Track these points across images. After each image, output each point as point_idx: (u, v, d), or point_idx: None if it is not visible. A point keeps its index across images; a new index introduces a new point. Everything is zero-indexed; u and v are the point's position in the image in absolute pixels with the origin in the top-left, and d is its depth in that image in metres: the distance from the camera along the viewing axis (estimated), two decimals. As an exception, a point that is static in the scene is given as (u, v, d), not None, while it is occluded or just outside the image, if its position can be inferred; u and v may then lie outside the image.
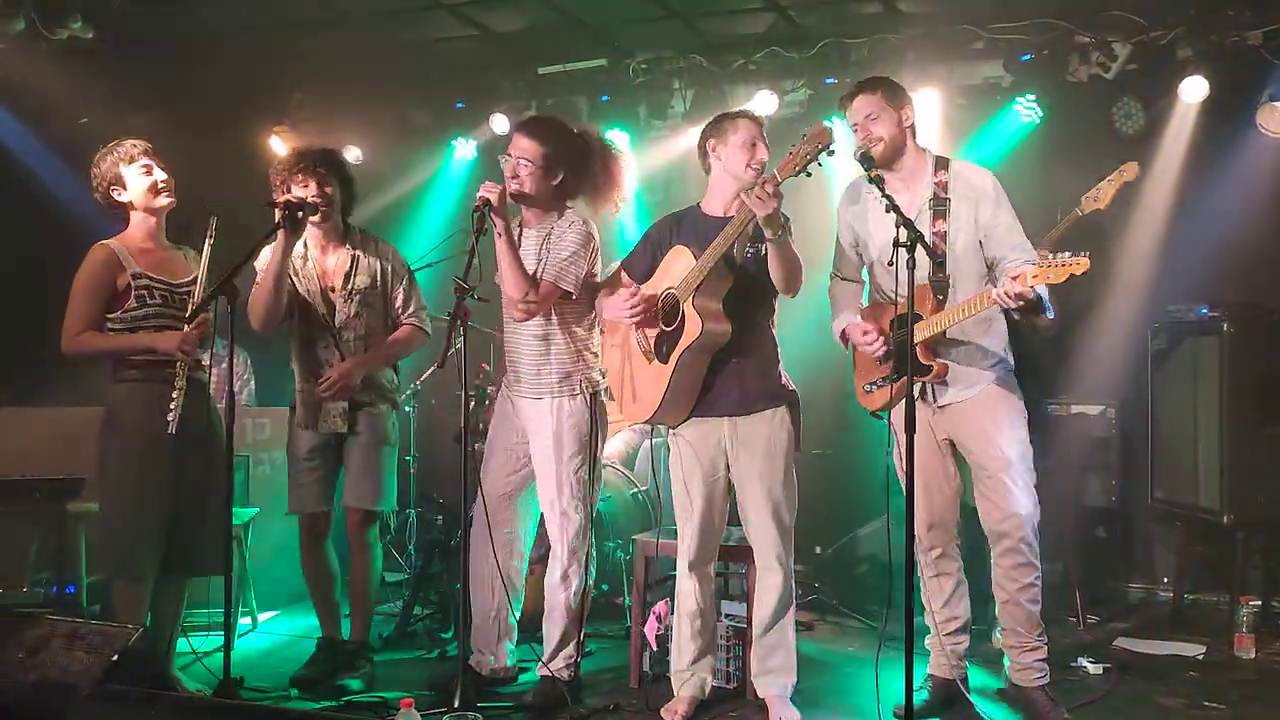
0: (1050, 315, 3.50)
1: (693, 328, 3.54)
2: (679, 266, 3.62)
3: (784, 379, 3.71)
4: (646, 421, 3.77)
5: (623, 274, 3.88)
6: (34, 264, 5.41)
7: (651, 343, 3.71)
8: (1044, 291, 3.34)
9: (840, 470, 5.32)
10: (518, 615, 4.03)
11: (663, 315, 3.67)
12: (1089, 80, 5.53)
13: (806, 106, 6.04)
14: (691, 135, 6.18)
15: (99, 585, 4.73)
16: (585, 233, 3.84)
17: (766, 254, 3.52)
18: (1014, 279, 3.27)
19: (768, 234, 3.38)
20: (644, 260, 3.81)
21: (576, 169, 3.87)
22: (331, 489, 4.13)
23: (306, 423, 4.07)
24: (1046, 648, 3.70)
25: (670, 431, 3.78)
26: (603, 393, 3.97)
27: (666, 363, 3.62)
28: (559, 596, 3.88)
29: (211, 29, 5.79)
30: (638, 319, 3.66)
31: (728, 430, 3.65)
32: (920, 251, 3.13)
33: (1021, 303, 3.29)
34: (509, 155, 3.83)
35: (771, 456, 3.62)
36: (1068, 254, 3.19)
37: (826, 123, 3.60)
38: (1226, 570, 4.84)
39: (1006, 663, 3.78)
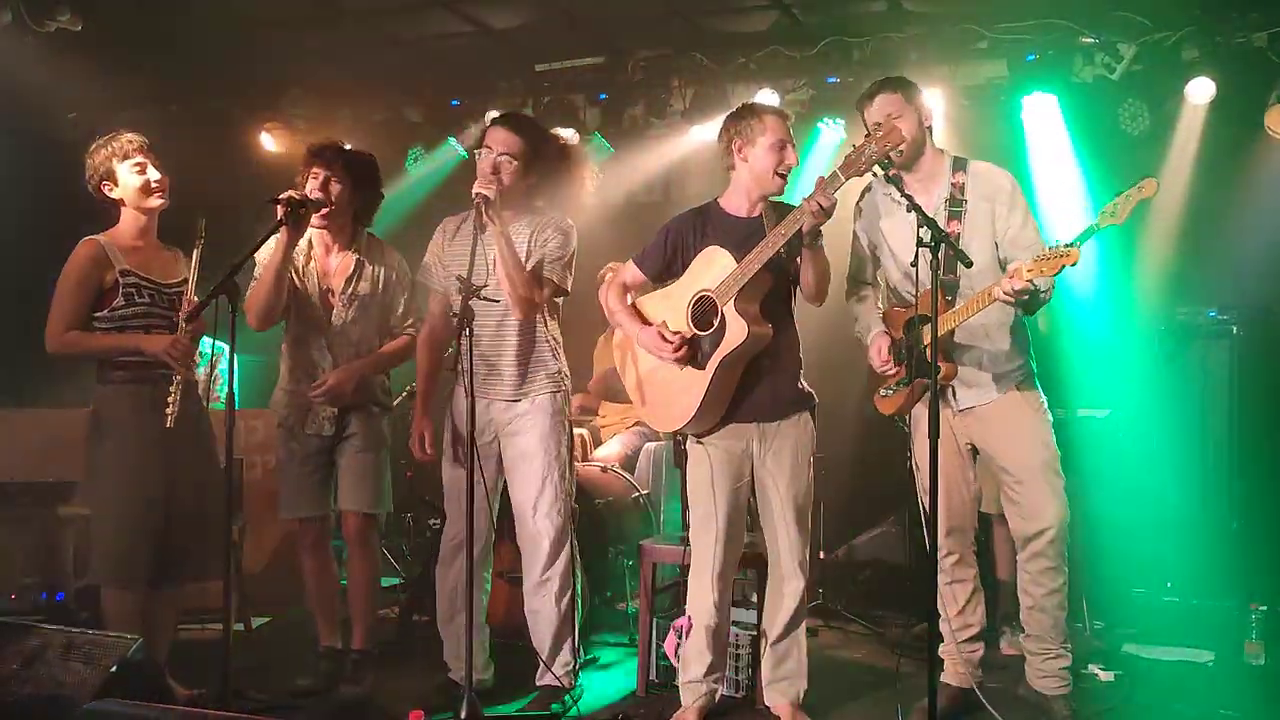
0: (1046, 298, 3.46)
1: (737, 332, 3.40)
2: (715, 269, 3.47)
3: (805, 383, 3.64)
4: (677, 431, 3.65)
5: (635, 269, 3.74)
6: (19, 261, 5.30)
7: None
8: (1043, 284, 3.31)
9: (846, 474, 5.25)
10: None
11: (695, 319, 3.54)
12: (1094, 81, 5.51)
13: (809, 106, 5.99)
14: (691, 135, 6.23)
15: (87, 591, 4.63)
16: (569, 229, 3.80)
17: (794, 258, 3.45)
18: (1010, 277, 3.26)
19: (807, 240, 3.30)
20: (661, 256, 3.67)
21: (549, 171, 3.81)
22: (328, 491, 4.04)
23: (293, 423, 3.98)
24: (1070, 656, 3.65)
25: (692, 438, 3.66)
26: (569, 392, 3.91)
27: (703, 369, 3.48)
28: (539, 602, 3.80)
29: (204, 22, 5.68)
30: (681, 362, 3.53)
31: (755, 435, 3.56)
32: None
33: (1024, 298, 3.27)
34: (488, 149, 3.73)
35: (798, 464, 3.55)
36: (1060, 244, 3.18)
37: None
38: (1234, 576, 4.80)
39: (1028, 667, 3.72)
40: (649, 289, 3.79)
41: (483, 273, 3.57)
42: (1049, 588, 3.56)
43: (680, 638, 3.77)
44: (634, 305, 3.74)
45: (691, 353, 3.52)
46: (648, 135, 6.42)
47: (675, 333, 3.54)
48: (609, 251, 5.84)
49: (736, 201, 3.61)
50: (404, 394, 5.40)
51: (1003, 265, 3.57)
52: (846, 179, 3.24)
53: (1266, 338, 4.70)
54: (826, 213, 3.22)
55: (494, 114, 6.27)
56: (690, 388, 3.50)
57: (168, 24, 5.69)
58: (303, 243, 3.97)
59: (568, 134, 6.16)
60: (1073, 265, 3.15)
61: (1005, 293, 3.26)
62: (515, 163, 3.70)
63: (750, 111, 3.57)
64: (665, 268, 3.68)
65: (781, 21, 5.79)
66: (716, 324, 3.46)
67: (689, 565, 3.68)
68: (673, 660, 3.88)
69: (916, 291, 3.29)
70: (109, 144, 3.66)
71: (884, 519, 5.24)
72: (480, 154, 3.74)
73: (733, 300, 3.41)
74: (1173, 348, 5.07)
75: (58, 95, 5.72)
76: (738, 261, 3.41)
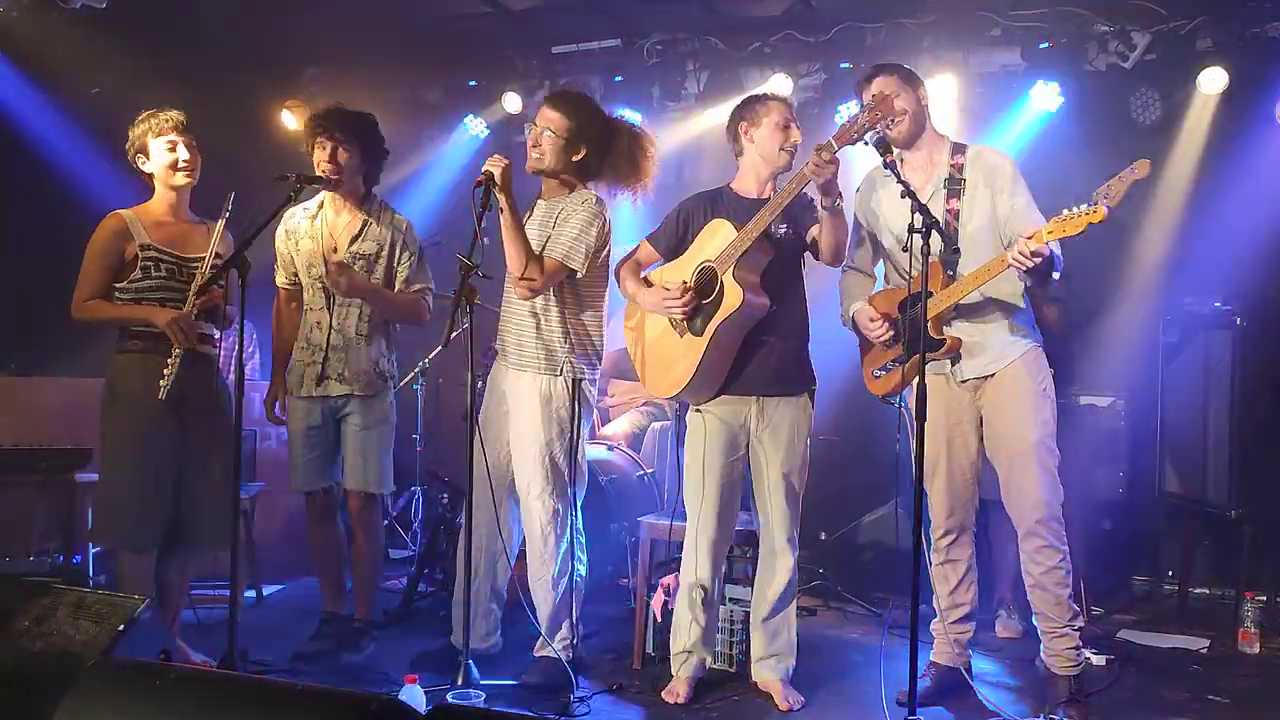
0: (1058, 275, 3.46)
1: (733, 299, 3.48)
2: (718, 239, 3.58)
3: (810, 365, 3.70)
4: (673, 397, 3.72)
5: (647, 247, 3.84)
6: (44, 233, 5.41)
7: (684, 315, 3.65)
8: (1057, 250, 3.32)
9: (847, 455, 5.31)
10: (504, 595, 4.04)
11: (697, 288, 3.62)
12: (1107, 69, 5.51)
13: (821, 91, 6.02)
14: (705, 118, 6.28)
15: (105, 556, 4.76)
16: (595, 210, 3.77)
17: (803, 233, 3.53)
18: (1029, 238, 3.25)
19: (825, 202, 3.37)
20: (672, 235, 3.77)
21: (599, 148, 3.83)
22: (331, 465, 4.11)
23: (291, 387, 4.05)
24: (1078, 635, 3.63)
25: (692, 407, 3.73)
26: (588, 382, 3.90)
27: (701, 335, 3.57)
28: (539, 583, 3.86)
29: (226, 1, 5.76)
30: (686, 314, 3.61)
31: (754, 410, 3.63)
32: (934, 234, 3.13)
33: (1038, 260, 3.25)
34: (535, 124, 3.82)
35: (794, 442, 3.62)
36: (1084, 205, 3.17)
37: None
38: (1233, 565, 4.83)
39: (1041, 647, 3.73)
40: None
41: (482, 251, 3.62)
42: (1046, 565, 3.58)
43: (667, 595, 3.84)
44: (645, 279, 3.83)
45: (693, 318, 3.60)
46: (662, 118, 6.45)
47: (679, 284, 3.62)
48: (621, 233, 5.89)
49: (746, 184, 3.71)
50: (415, 372, 5.50)
51: (1006, 245, 3.60)
52: (839, 147, 3.31)
53: (1270, 329, 4.70)
54: (825, 170, 3.25)
55: (511, 95, 6.41)
56: (688, 353, 3.60)
57: (190, 2, 5.77)
58: (313, 204, 4.06)
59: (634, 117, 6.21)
60: (1099, 222, 3.13)
61: (1020, 254, 3.26)
62: (554, 137, 3.76)
63: (754, 99, 3.73)
64: (677, 246, 3.76)
65: (796, 6, 5.80)
66: (716, 292, 3.54)
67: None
68: (658, 616, 3.97)
69: (910, 273, 3.32)
70: (148, 120, 3.76)
71: (886, 501, 5.29)
72: (529, 127, 3.86)
73: (731, 269, 3.49)
74: (1177, 337, 5.08)
75: (82, 70, 5.81)
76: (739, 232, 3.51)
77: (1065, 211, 3.21)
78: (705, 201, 3.75)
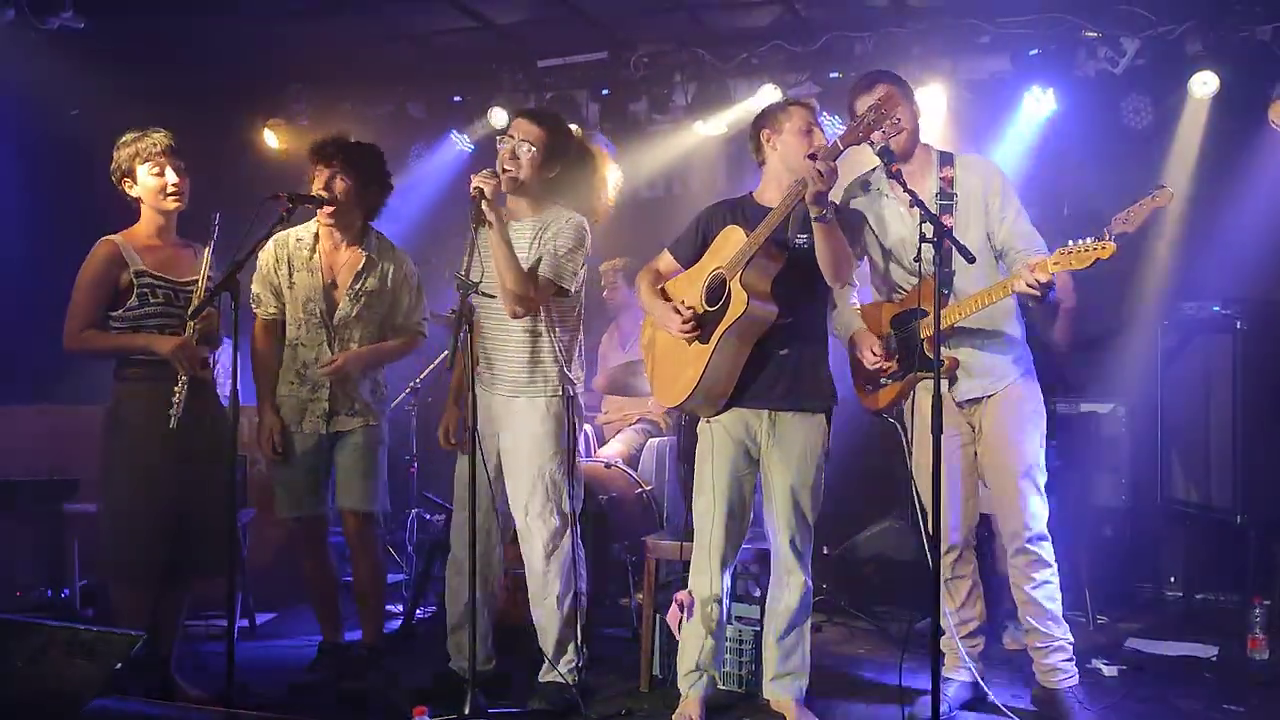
0: (1057, 302, 3.45)
1: (737, 305, 3.41)
2: (729, 245, 3.51)
3: (830, 381, 3.62)
4: (679, 405, 3.63)
5: (667, 257, 3.77)
6: (25, 259, 5.31)
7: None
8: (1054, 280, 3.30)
9: (848, 469, 5.24)
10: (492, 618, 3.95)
11: (707, 295, 3.55)
12: (1097, 76, 5.51)
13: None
14: (694, 130, 6.23)
15: (93, 589, 4.64)
16: (583, 229, 3.73)
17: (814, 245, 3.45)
18: (1032, 268, 3.23)
19: (813, 212, 3.28)
20: (692, 244, 3.70)
21: (571, 168, 3.78)
22: (324, 490, 4.02)
23: (290, 422, 3.96)
24: (1071, 647, 3.64)
25: (703, 419, 3.66)
26: (579, 395, 3.86)
27: (707, 343, 3.50)
28: (541, 604, 3.78)
29: (207, 18, 5.68)
30: (690, 337, 3.54)
31: (765, 424, 3.56)
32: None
33: (1042, 291, 3.26)
34: (510, 138, 3.70)
35: (806, 462, 3.54)
36: (1090, 238, 3.15)
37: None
38: (1238, 570, 4.80)
39: (1034, 667, 3.72)
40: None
41: (479, 268, 3.55)
42: (1036, 581, 3.59)
43: (682, 611, 3.76)
44: (662, 289, 3.75)
45: (701, 328, 3.53)
46: (650, 131, 6.42)
47: (688, 307, 3.55)
48: (611, 247, 5.86)
49: (769, 193, 3.62)
50: (405, 391, 5.41)
51: (998, 257, 3.60)
52: (845, 148, 3.26)
53: (1270, 332, 4.68)
54: (825, 178, 3.19)
55: (498, 109, 6.35)
56: (694, 361, 3.52)
57: (170, 21, 5.69)
58: (308, 235, 3.97)
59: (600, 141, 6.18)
60: (1107, 258, 3.13)
61: (1028, 284, 3.25)
62: (535, 151, 3.67)
63: (776, 105, 3.67)
64: (697, 254, 3.69)
65: (784, 16, 5.79)
66: (723, 298, 3.47)
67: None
68: (675, 633, 3.88)
69: (919, 284, 3.29)
70: (134, 143, 3.67)
71: (888, 514, 5.24)
72: (501, 143, 3.73)
73: (740, 275, 3.42)
74: (1177, 342, 5.06)
75: (60, 92, 5.71)
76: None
77: (1072, 243, 3.20)
78: (724, 210, 3.68)
